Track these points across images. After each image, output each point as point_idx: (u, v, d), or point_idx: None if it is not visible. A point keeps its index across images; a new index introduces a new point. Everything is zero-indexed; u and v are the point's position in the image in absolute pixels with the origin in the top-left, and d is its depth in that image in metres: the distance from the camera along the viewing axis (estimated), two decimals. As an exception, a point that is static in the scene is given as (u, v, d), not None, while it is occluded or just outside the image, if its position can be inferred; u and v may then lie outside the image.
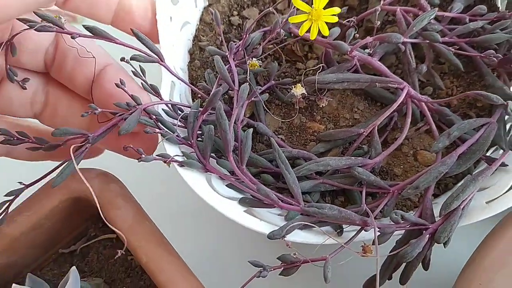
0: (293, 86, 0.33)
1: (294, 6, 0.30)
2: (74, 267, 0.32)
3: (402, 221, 0.28)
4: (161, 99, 0.32)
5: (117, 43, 0.31)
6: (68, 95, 0.33)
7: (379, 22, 0.32)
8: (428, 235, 0.28)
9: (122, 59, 0.31)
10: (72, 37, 0.29)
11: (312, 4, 0.29)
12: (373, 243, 0.28)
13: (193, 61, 0.37)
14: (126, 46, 0.31)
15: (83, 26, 0.31)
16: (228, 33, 0.38)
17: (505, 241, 0.28)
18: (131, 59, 0.31)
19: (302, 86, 0.32)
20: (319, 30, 0.30)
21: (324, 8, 0.29)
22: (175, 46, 0.35)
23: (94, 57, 0.31)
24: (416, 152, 0.34)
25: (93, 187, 0.33)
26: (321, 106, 0.34)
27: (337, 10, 0.29)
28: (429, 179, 0.29)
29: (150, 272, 0.31)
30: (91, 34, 0.30)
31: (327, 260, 0.27)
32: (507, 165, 0.30)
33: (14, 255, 0.34)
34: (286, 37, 0.37)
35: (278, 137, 0.35)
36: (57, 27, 0.29)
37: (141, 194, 0.35)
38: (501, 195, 0.29)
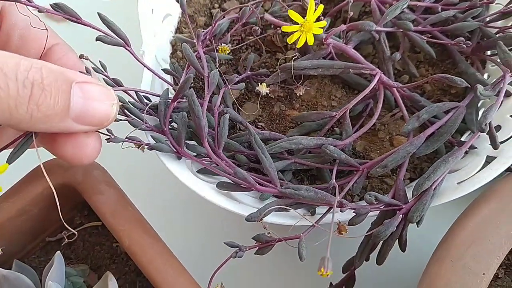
0: (259, 83, 0.34)
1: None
2: (58, 252, 0.32)
3: (376, 202, 0.29)
4: (125, 91, 0.33)
5: (84, 24, 0.30)
6: None
7: (352, 13, 0.33)
8: (401, 215, 0.29)
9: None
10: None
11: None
12: (349, 224, 0.29)
13: (175, 52, 0.38)
14: (92, 28, 0.31)
15: (50, 5, 0.31)
16: (209, 25, 0.39)
17: (475, 220, 0.28)
18: (96, 39, 0.31)
19: (266, 85, 0.34)
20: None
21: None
22: (157, 36, 0.36)
23: (46, 29, 0.28)
24: (392, 137, 0.34)
25: (77, 174, 0.34)
26: (299, 95, 0.35)
27: (324, 23, 0.30)
28: (397, 158, 0.30)
29: (133, 254, 0.31)
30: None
31: (301, 238, 0.28)
32: (476, 148, 0.31)
33: (0, 241, 0.34)
34: (266, 29, 0.38)
35: (258, 125, 0.35)
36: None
37: (130, 189, 0.36)
38: (471, 176, 0.29)
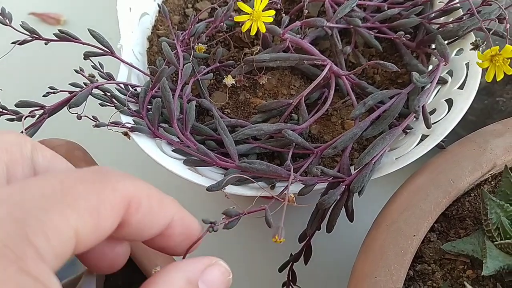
0: (225, 75, 0.38)
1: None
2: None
3: (322, 175, 0.32)
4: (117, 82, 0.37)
5: (82, 43, 0.36)
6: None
7: (307, 11, 0.37)
8: (344, 186, 0.32)
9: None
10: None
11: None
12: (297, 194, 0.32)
13: (152, 47, 0.42)
14: (85, 44, 0.36)
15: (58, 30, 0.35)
16: (183, 23, 0.43)
17: (409, 189, 0.32)
18: (84, 55, 0.36)
19: (232, 77, 0.38)
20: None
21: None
22: (134, 33, 0.40)
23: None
24: (343, 121, 0.38)
25: (59, 153, 0.37)
26: (261, 84, 0.39)
27: (272, 12, 0.34)
28: (345, 140, 0.33)
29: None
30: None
31: (266, 209, 0.31)
32: (413, 128, 0.35)
33: None
34: (234, 26, 0.42)
35: (225, 111, 0.39)
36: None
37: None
38: (407, 153, 0.33)
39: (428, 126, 0.33)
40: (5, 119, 0.34)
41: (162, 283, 0.21)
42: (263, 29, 0.34)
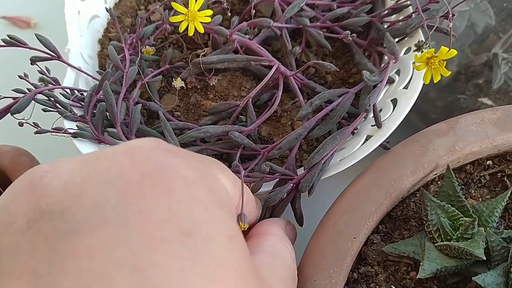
0: (174, 78, 0.37)
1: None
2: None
3: (270, 172, 0.32)
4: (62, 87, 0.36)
5: (31, 49, 0.35)
6: None
7: (254, 11, 0.36)
8: (292, 184, 0.32)
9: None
10: None
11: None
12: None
13: (103, 50, 0.41)
14: (33, 49, 0.35)
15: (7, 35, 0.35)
16: (135, 25, 0.42)
17: (352, 191, 0.31)
18: (30, 60, 0.35)
19: (182, 79, 0.37)
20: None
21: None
22: (83, 36, 0.39)
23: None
24: (293, 122, 0.37)
25: (6, 160, 0.37)
26: (212, 85, 0.38)
27: (209, 12, 0.34)
28: (290, 140, 0.33)
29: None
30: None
31: None
32: (358, 128, 0.34)
33: None
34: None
35: (175, 114, 0.38)
36: None
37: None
38: (352, 153, 0.32)
39: (378, 125, 0.32)
40: None
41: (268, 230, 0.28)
42: (200, 29, 0.33)
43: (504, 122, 0.32)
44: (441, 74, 0.30)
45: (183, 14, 0.33)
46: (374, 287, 0.30)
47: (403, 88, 0.33)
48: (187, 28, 0.41)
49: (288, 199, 0.32)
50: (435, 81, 0.30)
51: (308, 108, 0.34)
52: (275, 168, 0.32)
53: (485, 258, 0.26)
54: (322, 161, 0.32)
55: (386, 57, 0.39)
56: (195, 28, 0.34)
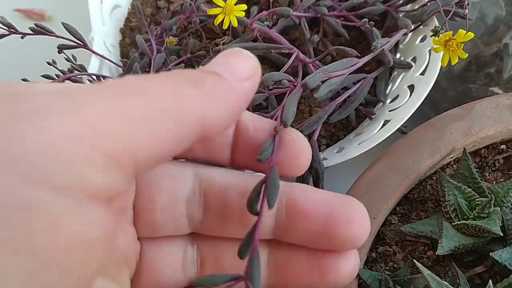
0: (195, 67, 0.38)
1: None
2: None
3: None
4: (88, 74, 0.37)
5: (57, 37, 0.36)
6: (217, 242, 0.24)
7: (272, 0, 0.37)
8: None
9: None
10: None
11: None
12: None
13: (124, 39, 0.42)
14: (60, 38, 0.37)
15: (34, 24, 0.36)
16: (156, 15, 0.43)
17: (370, 174, 0.32)
18: (58, 47, 0.36)
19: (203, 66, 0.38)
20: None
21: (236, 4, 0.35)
22: (106, 25, 0.40)
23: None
24: (311, 109, 0.38)
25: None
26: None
27: (244, 7, 0.35)
28: (311, 123, 0.34)
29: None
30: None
31: None
32: (376, 114, 0.35)
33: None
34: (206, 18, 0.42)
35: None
36: None
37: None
38: (369, 138, 0.33)
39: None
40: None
41: None
42: (235, 23, 0.34)
43: (518, 107, 0.32)
44: (450, 60, 0.31)
45: (220, 7, 0.34)
46: (392, 266, 0.31)
47: (420, 74, 0.34)
48: (206, 20, 0.42)
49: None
50: (453, 63, 0.31)
51: (325, 89, 0.34)
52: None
53: (502, 234, 0.27)
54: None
55: (400, 46, 0.40)
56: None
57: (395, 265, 0.31)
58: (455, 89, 0.49)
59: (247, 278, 0.18)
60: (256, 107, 0.37)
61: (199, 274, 0.24)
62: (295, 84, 0.30)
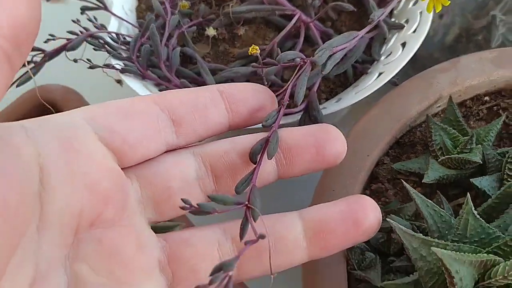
0: (207, 28, 0.41)
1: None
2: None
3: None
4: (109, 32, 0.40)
5: None
6: None
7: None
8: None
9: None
10: None
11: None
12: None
13: (140, 5, 0.45)
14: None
15: None
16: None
17: (365, 119, 0.35)
18: (81, 9, 0.40)
19: (214, 28, 0.41)
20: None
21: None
22: (124, -10, 0.44)
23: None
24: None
25: (58, 96, 0.41)
26: (239, 35, 0.42)
27: None
28: (312, 76, 0.37)
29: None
30: None
31: None
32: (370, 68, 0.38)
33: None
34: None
35: (206, 60, 0.43)
36: None
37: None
38: (365, 87, 0.37)
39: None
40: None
41: None
42: None
43: (499, 60, 0.36)
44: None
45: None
46: (384, 201, 0.34)
47: (412, 33, 0.38)
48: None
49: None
50: (437, 10, 0.34)
51: (331, 65, 0.37)
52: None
53: (481, 162, 0.30)
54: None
55: (394, 12, 0.43)
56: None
57: (387, 200, 0.34)
58: (447, 60, 0.52)
59: (249, 205, 0.23)
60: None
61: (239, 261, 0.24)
62: (305, 60, 0.34)
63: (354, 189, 0.33)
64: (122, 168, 0.24)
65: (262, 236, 0.21)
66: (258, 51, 0.35)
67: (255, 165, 0.25)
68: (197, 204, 0.22)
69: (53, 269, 0.21)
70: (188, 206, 0.22)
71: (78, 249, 0.22)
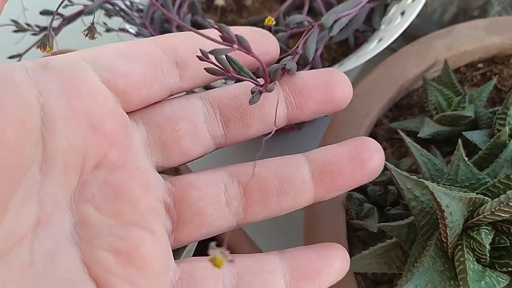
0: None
1: None
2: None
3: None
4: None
5: None
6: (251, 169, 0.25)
7: None
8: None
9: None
10: None
11: None
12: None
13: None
14: None
15: None
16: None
17: (366, 80, 0.37)
18: None
19: None
20: None
21: None
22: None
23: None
24: (316, 36, 0.43)
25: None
26: (246, 6, 0.44)
27: None
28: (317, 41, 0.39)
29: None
30: None
31: None
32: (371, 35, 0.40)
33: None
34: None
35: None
36: None
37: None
38: (365, 53, 0.38)
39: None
40: (30, 34, 0.40)
41: None
42: None
43: (492, 28, 0.38)
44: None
45: None
46: (382, 158, 0.36)
47: (411, 2, 0.39)
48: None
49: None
50: None
51: (337, 28, 0.39)
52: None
53: (473, 116, 0.32)
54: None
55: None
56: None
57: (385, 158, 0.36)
58: (444, 38, 0.54)
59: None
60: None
61: (245, 204, 0.25)
62: (313, 24, 0.36)
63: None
64: (127, 113, 0.24)
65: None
66: (274, 23, 0.36)
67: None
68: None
69: (58, 210, 0.21)
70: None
71: (84, 191, 0.22)
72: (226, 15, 0.45)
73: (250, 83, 0.25)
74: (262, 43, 0.26)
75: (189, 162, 0.26)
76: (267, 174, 0.25)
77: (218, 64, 0.23)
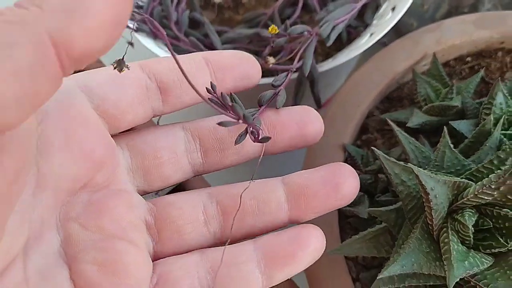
0: None
1: None
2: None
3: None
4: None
5: None
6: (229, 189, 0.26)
7: None
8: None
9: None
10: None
11: None
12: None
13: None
14: None
15: None
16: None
17: (357, 73, 0.38)
18: None
19: None
20: None
21: None
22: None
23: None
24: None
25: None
26: (242, 3, 0.45)
27: None
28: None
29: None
30: None
31: None
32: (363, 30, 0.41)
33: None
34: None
35: (212, 25, 0.46)
36: None
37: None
38: (357, 47, 0.39)
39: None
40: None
41: None
42: None
43: (480, 23, 0.38)
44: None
45: None
46: (373, 149, 0.37)
47: (401, -2, 0.40)
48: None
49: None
50: None
51: (334, 36, 0.40)
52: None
53: (460, 106, 0.33)
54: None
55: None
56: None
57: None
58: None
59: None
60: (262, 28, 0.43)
61: (222, 224, 0.26)
62: (311, 33, 0.37)
63: (346, 138, 0.36)
64: (113, 136, 0.25)
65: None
66: (277, 31, 0.37)
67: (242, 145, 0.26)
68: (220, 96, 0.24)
69: (46, 229, 0.22)
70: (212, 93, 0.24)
71: (69, 210, 0.23)
72: (223, 12, 0.46)
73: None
74: (243, 67, 0.27)
75: (168, 187, 0.27)
76: (245, 195, 0.25)
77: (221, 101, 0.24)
